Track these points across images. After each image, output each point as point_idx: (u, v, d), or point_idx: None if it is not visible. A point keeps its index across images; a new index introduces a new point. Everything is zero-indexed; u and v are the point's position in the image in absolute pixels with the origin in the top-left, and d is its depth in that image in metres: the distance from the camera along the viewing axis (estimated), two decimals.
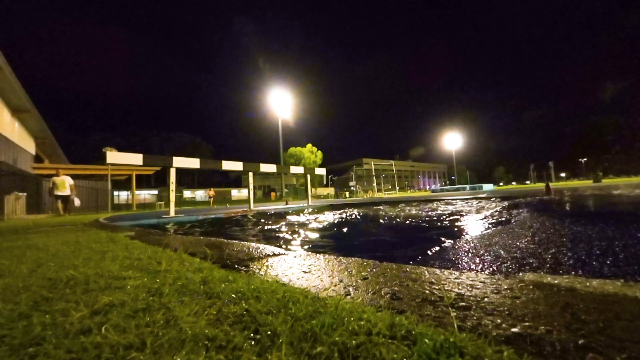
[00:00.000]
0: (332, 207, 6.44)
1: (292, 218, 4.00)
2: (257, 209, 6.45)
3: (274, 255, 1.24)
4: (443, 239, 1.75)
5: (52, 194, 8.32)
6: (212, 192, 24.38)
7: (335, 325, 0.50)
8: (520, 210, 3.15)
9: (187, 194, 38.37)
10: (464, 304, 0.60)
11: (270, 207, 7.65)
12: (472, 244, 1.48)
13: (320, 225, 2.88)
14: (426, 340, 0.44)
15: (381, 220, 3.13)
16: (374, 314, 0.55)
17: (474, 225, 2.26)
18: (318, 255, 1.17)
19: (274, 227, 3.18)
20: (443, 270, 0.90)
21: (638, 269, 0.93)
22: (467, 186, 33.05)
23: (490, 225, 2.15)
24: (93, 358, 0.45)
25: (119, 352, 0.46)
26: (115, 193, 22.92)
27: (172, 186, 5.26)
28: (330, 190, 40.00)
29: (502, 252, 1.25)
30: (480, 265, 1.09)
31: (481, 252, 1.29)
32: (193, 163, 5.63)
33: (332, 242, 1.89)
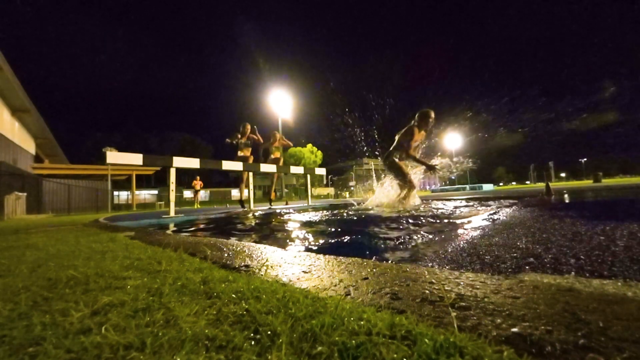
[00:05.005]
0: (333, 207, 6.44)
1: (292, 218, 4.00)
2: (257, 209, 6.45)
3: (274, 255, 1.24)
4: (442, 238, 1.75)
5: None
6: (198, 183, 16.78)
7: (335, 325, 0.50)
8: (521, 210, 3.15)
9: (187, 194, 38.38)
10: (464, 304, 0.60)
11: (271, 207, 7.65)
12: (472, 244, 1.48)
13: (321, 225, 2.89)
14: (426, 340, 0.44)
15: (380, 218, 3.13)
16: (374, 314, 0.55)
17: (473, 224, 2.26)
18: (318, 255, 1.17)
19: (273, 227, 3.18)
20: (443, 270, 0.90)
21: (638, 269, 0.93)
22: (467, 186, 33.03)
23: (490, 225, 2.15)
24: (93, 358, 0.45)
25: (119, 352, 0.46)
26: (115, 193, 22.94)
27: (172, 186, 5.26)
28: (330, 190, 40.01)
29: (502, 252, 1.25)
30: (480, 265, 1.09)
31: (481, 252, 1.29)
32: (193, 163, 5.63)
33: (332, 242, 1.89)
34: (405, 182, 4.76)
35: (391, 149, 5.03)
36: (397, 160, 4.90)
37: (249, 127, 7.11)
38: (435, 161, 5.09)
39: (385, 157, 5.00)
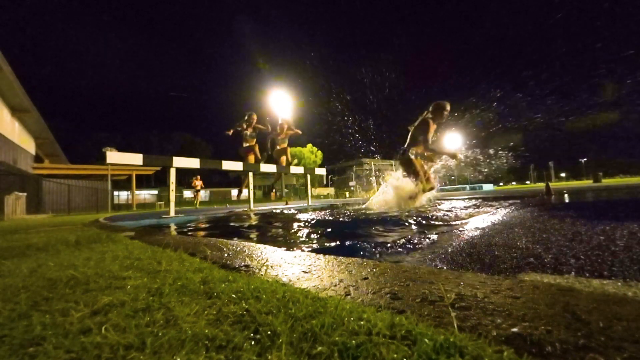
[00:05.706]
0: (332, 207, 6.44)
1: (292, 218, 4.01)
2: (257, 209, 6.45)
3: (274, 255, 1.24)
4: (442, 238, 1.75)
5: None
6: (199, 182, 14.71)
7: (335, 325, 0.50)
8: (521, 210, 3.15)
9: (187, 194, 38.40)
10: (464, 304, 0.60)
11: (270, 207, 7.65)
12: (472, 244, 1.48)
13: (321, 225, 2.89)
14: (426, 340, 0.44)
15: (381, 218, 3.14)
16: (374, 314, 0.55)
17: (474, 224, 2.26)
18: (318, 255, 1.17)
19: (273, 227, 3.18)
20: (443, 270, 0.90)
21: (638, 269, 0.93)
22: (467, 186, 33.07)
23: (490, 225, 2.15)
24: (93, 358, 0.45)
25: (119, 352, 0.46)
26: (115, 193, 22.94)
27: (172, 186, 5.26)
28: (330, 190, 40.03)
29: (502, 252, 1.25)
30: (480, 266, 1.10)
31: (481, 252, 1.29)
32: (193, 163, 5.63)
33: (332, 241, 1.89)
34: (418, 182, 4.48)
35: (406, 145, 4.72)
36: (413, 157, 4.61)
37: (255, 117, 7.11)
38: (458, 151, 4.80)
39: (401, 154, 4.72)
